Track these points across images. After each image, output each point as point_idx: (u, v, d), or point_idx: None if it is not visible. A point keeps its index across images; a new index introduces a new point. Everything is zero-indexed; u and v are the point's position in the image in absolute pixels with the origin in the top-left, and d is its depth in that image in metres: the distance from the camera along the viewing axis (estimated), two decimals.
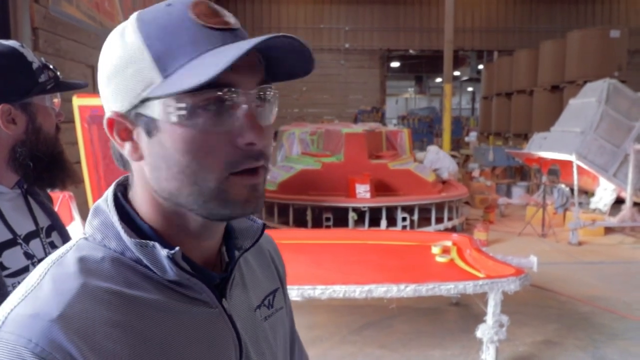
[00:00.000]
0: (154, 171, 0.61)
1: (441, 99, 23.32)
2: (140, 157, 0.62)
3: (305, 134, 8.68)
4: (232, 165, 0.59)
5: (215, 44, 0.58)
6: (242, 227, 0.74)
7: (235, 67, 0.55)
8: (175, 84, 0.55)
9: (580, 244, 7.34)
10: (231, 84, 0.58)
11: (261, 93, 0.61)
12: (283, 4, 19.76)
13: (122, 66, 0.59)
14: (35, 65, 1.21)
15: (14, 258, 1.17)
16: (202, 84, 0.53)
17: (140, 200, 0.65)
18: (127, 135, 0.62)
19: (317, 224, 7.08)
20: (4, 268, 1.14)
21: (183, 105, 0.57)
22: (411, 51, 21.43)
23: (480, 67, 21.97)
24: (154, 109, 0.59)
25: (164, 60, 0.57)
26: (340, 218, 7.04)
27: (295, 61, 0.63)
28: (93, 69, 5.03)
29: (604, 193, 8.26)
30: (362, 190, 7.10)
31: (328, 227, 6.92)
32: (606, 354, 3.92)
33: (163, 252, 0.60)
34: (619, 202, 8.20)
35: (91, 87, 4.59)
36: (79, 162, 3.59)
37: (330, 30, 20.05)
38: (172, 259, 0.60)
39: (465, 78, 25.91)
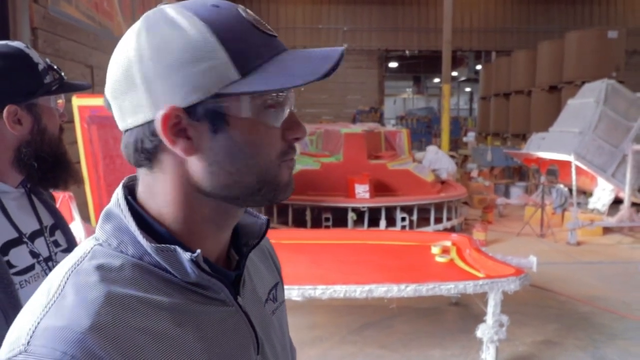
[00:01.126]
0: (213, 165, 0.62)
1: (439, 100, 23.37)
2: (193, 153, 0.62)
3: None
4: (283, 155, 0.66)
5: (278, 49, 0.64)
6: (246, 223, 0.75)
7: None
8: (259, 84, 0.59)
9: (578, 244, 7.36)
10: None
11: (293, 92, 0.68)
12: (281, 4, 19.77)
13: (189, 61, 0.59)
14: (41, 67, 1.21)
15: (20, 256, 1.17)
16: (293, 86, 0.60)
17: (165, 199, 0.64)
18: (179, 131, 0.61)
19: (317, 224, 7.08)
20: (12, 266, 1.15)
21: (258, 102, 0.62)
22: (407, 52, 21.45)
23: (478, 67, 22.02)
24: (228, 105, 0.61)
25: (242, 59, 0.60)
26: (339, 218, 7.04)
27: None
28: (92, 69, 5.01)
29: (602, 193, 8.28)
30: (361, 191, 7.10)
31: (327, 227, 6.93)
32: (606, 353, 3.93)
33: (186, 256, 0.61)
34: (617, 202, 8.22)
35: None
36: (78, 162, 3.58)
37: (329, 30, 20.07)
38: (194, 261, 0.61)
39: (463, 78, 25.96)
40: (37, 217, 1.28)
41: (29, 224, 1.24)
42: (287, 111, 0.65)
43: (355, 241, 4.90)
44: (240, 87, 0.59)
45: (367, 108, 19.81)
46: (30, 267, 1.18)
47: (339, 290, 3.40)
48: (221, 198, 0.64)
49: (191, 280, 0.63)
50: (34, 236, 1.24)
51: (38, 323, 0.54)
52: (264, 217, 0.76)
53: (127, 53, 0.61)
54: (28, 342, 0.53)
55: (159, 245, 0.61)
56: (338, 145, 8.01)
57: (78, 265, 0.60)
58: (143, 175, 0.66)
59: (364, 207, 7.01)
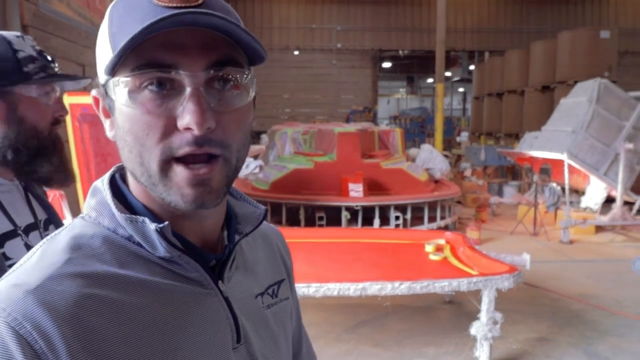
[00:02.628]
0: (119, 150, 0.62)
1: (432, 100, 23.43)
2: (115, 135, 0.63)
3: (298, 133, 8.66)
4: (171, 149, 0.58)
5: (161, 18, 0.55)
6: (244, 212, 0.74)
7: (181, 47, 0.56)
8: (110, 60, 0.57)
9: (571, 242, 7.39)
10: (173, 64, 0.57)
11: (218, 75, 0.59)
12: (275, 4, 19.75)
13: (98, 46, 0.62)
14: (22, 54, 1.18)
15: (15, 249, 1.17)
16: (116, 60, 0.55)
17: (129, 178, 0.66)
18: (106, 112, 0.64)
19: (310, 223, 7.07)
20: (7, 258, 1.15)
21: (126, 84, 0.57)
22: (400, 52, 21.48)
23: (472, 67, 22.07)
24: (111, 89, 0.59)
25: (115, 38, 0.58)
26: (333, 217, 7.03)
27: (247, 47, 0.61)
28: (84, 67, 4.98)
29: (595, 192, 8.32)
30: (355, 190, 7.09)
31: (321, 226, 6.91)
32: (598, 350, 3.94)
33: (152, 226, 0.59)
34: (609, 201, 8.26)
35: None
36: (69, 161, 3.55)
37: (322, 30, 20.06)
38: (161, 233, 0.59)
39: (456, 79, 26.02)
40: (32, 211, 1.27)
41: (23, 217, 1.24)
42: (183, 95, 0.57)
43: (349, 240, 4.89)
44: (107, 68, 0.57)
45: (360, 108, 19.82)
46: None
47: (333, 288, 3.39)
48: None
49: (161, 255, 0.61)
50: (28, 229, 1.23)
51: (1, 280, 0.56)
52: (262, 207, 0.74)
53: None
54: None
55: (128, 215, 0.61)
56: (332, 144, 8.00)
57: (57, 235, 0.62)
58: None
59: (357, 206, 7.00)
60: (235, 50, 0.60)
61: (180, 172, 0.58)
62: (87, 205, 0.65)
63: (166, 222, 0.60)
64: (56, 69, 1.26)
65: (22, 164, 1.20)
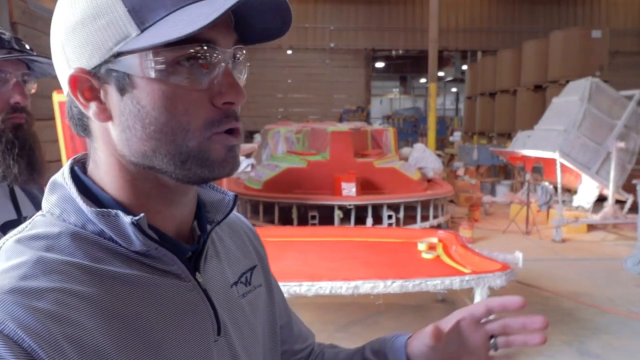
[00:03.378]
0: (126, 131, 0.57)
1: (425, 99, 23.45)
2: (108, 118, 0.58)
3: (291, 132, 8.64)
4: (212, 124, 0.57)
5: None
6: (213, 200, 0.71)
7: (214, 24, 0.53)
8: (156, 36, 0.53)
9: (563, 241, 7.41)
10: (211, 40, 0.56)
11: (237, 53, 0.60)
12: None
13: (90, 18, 0.56)
14: None
15: None
16: (187, 35, 0.51)
17: (104, 168, 0.61)
18: (92, 94, 0.58)
19: (303, 222, 7.05)
20: None
21: (162, 59, 0.54)
22: (393, 52, 21.52)
23: (464, 67, 22.13)
24: (130, 64, 0.55)
25: (141, 11, 0.54)
26: (326, 216, 7.02)
27: (270, 21, 0.61)
28: None
29: (587, 191, 8.36)
30: (348, 189, 7.09)
31: (314, 225, 6.90)
32: (590, 348, 3.95)
33: (127, 219, 0.56)
34: (601, 199, 8.30)
35: None
36: (59, 160, 3.52)
37: (315, 29, 20.05)
38: (137, 225, 0.57)
39: (449, 78, 26.09)
40: (16, 207, 1.24)
41: (3, 214, 1.20)
42: (218, 71, 0.57)
43: (341, 238, 4.89)
44: (138, 42, 0.54)
45: (354, 107, 19.82)
46: None
47: (325, 287, 3.37)
48: (147, 168, 0.59)
49: (137, 249, 0.58)
50: (8, 226, 1.19)
51: None
52: (231, 194, 0.71)
53: (53, 17, 0.61)
54: None
55: (100, 209, 0.58)
56: (325, 143, 7.99)
57: (16, 234, 0.58)
58: (88, 146, 0.63)
59: (350, 205, 7.00)
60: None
61: (220, 144, 0.58)
62: (47, 201, 0.61)
63: (142, 214, 0.57)
64: (12, 51, 1.18)
65: None
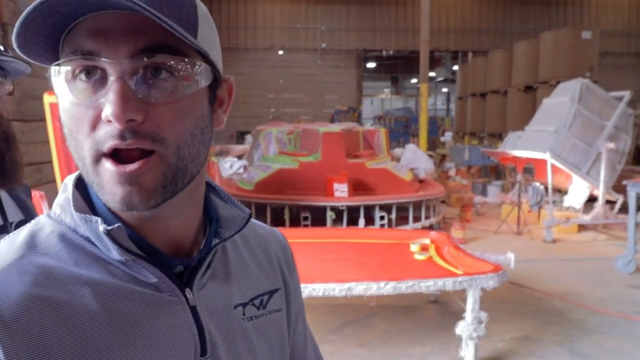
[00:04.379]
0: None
1: (417, 100, 23.47)
2: None
3: (283, 133, 8.63)
4: (97, 143, 0.54)
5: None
6: (228, 215, 0.69)
7: (103, 32, 0.52)
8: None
9: (554, 241, 7.45)
10: (93, 51, 0.53)
11: (150, 63, 0.54)
12: (259, 3, 19.68)
13: None
14: None
15: None
16: (25, 50, 0.52)
17: None
18: None
19: (295, 223, 7.04)
20: None
21: (56, 74, 0.55)
22: (384, 52, 21.55)
23: (455, 68, 22.21)
24: (52, 81, 0.57)
25: None
26: (318, 217, 7.02)
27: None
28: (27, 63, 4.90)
29: (578, 191, 8.41)
30: (340, 190, 7.08)
31: (306, 226, 6.89)
32: (582, 348, 3.97)
33: (101, 228, 0.56)
34: (591, 200, 8.35)
35: None
36: (50, 162, 3.49)
37: (307, 30, 20.04)
38: (110, 235, 0.56)
39: (440, 79, 26.16)
40: (2, 213, 1.22)
41: None
42: (106, 85, 0.53)
43: (334, 240, 4.88)
44: None
45: (345, 108, 19.83)
46: None
47: (318, 289, 3.37)
48: None
49: (116, 258, 0.58)
50: None
51: None
52: (247, 211, 0.69)
53: None
54: None
55: (83, 215, 0.58)
56: (316, 144, 7.98)
57: (19, 231, 0.60)
58: None
59: (342, 206, 6.99)
60: (175, 37, 0.53)
61: (108, 168, 0.54)
62: (56, 201, 0.63)
63: (117, 224, 0.56)
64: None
65: None
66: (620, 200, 8.05)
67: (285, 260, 0.81)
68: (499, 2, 20.27)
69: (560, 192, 9.13)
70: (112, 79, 0.53)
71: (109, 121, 0.53)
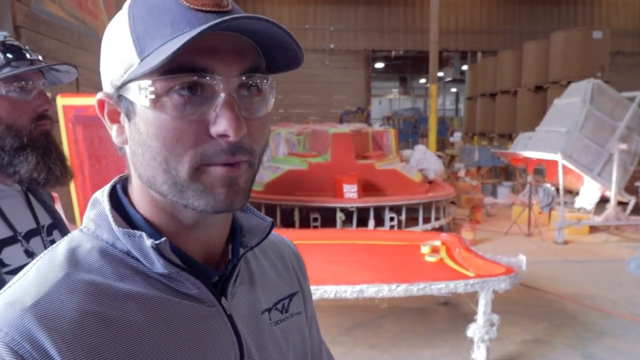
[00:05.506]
0: (134, 156, 0.60)
1: (425, 100, 23.43)
2: (124, 142, 0.61)
3: (292, 134, 8.64)
4: (204, 157, 0.56)
5: (194, 25, 0.54)
6: (250, 224, 0.71)
7: (214, 51, 0.54)
8: (144, 65, 0.54)
9: (565, 242, 7.40)
10: (207, 69, 0.55)
11: (248, 82, 0.58)
12: (267, 5, 19.71)
13: (110, 47, 0.59)
14: None
15: (14, 255, 1.15)
16: (162, 62, 0.51)
17: (136, 190, 0.63)
18: (114, 118, 0.61)
19: (305, 224, 7.05)
20: (4, 265, 1.12)
21: (156, 88, 0.55)
22: (393, 53, 21.51)
23: (464, 68, 22.12)
24: (132, 92, 0.57)
25: (142, 40, 0.56)
26: (327, 218, 7.01)
27: (280, 53, 0.60)
28: (77, 68, 4.93)
29: (589, 192, 8.35)
30: (350, 191, 7.08)
31: (316, 227, 6.89)
32: (595, 351, 3.94)
33: (148, 242, 0.57)
34: (603, 201, 8.29)
35: (74, 87, 4.50)
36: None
37: (315, 30, 20.04)
38: (157, 249, 0.57)
39: (448, 79, 26.05)
40: (34, 216, 1.24)
41: (25, 223, 1.22)
42: (214, 101, 0.55)
43: (344, 241, 4.88)
44: (136, 71, 0.55)
45: (354, 108, 19.81)
46: (25, 266, 1.14)
47: (330, 291, 3.37)
48: (159, 194, 0.59)
49: (159, 271, 0.59)
50: (30, 235, 1.21)
51: None
52: (269, 219, 0.71)
53: None
54: None
55: (126, 230, 0.59)
56: (326, 145, 7.98)
57: (54, 248, 0.60)
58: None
59: (352, 207, 6.99)
60: (260, 57, 0.59)
61: (213, 173, 0.56)
62: (87, 217, 0.63)
63: (163, 239, 0.58)
64: (34, 62, 1.19)
65: (5, 165, 1.16)
66: (632, 201, 7.99)
67: (298, 266, 0.84)
68: (509, 2, 20.15)
69: (572, 193, 9.07)
70: (223, 95, 0.55)
71: (222, 136, 0.55)
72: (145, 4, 0.56)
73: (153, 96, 0.55)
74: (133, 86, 0.56)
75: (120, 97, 0.59)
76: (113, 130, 0.61)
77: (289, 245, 0.86)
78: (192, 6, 0.55)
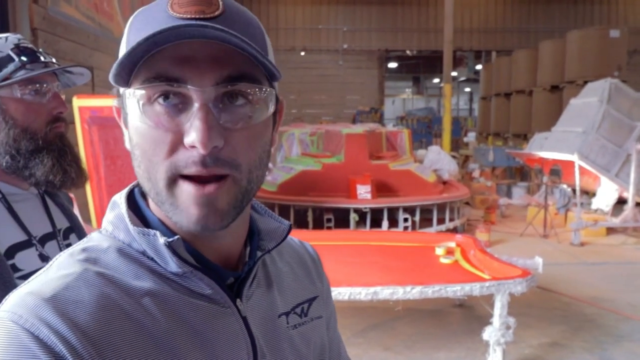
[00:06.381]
0: (133, 162, 0.61)
1: (439, 100, 23.32)
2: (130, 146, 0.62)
3: (305, 134, 8.63)
4: (177, 167, 0.55)
5: (166, 26, 0.53)
6: (268, 228, 0.71)
7: (188, 60, 0.54)
8: (113, 71, 0.55)
9: (582, 244, 7.31)
10: (180, 78, 0.54)
11: (231, 90, 0.56)
12: (281, 5, 19.73)
13: (117, 58, 0.59)
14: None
15: (28, 259, 1.15)
16: (119, 64, 0.53)
17: None
18: (125, 124, 0.63)
19: (318, 225, 7.04)
20: (17, 269, 1.12)
21: (137, 97, 0.56)
22: (408, 52, 21.44)
23: (478, 67, 21.98)
24: (125, 101, 0.58)
25: (128, 42, 0.58)
26: (341, 219, 7.00)
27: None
28: (92, 70, 4.97)
29: (606, 193, 8.24)
30: (363, 191, 7.06)
31: (329, 228, 6.88)
32: (613, 356, 3.88)
33: (161, 240, 0.58)
34: (620, 202, 8.18)
35: (90, 88, 4.53)
36: None
37: (329, 30, 20.03)
38: (170, 247, 0.57)
39: (462, 79, 25.90)
40: (51, 219, 1.24)
41: (40, 227, 1.21)
42: (190, 110, 0.54)
43: (358, 242, 4.86)
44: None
45: (367, 109, 19.77)
46: (38, 271, 1.15)
47: (344, 293, 3.35)
48: None
49: (173, 270, 0.60)
50: (45, 239, 1.21)
51: (15, 291, 0.55)
52: (286, 223, 0.71)
53: None
54: None
55: (141, 229, 0.60)
56: (339, 145, 7.97)
57: (73, 248, 0.61)
58: None
59: (366, 208, 6.97)
60: (251, 64, 0.56)
61: (186, 189, 0.55)
62: (105, 219, 0.65)
63: (176, 237, 0.58)
64: (48, 64, 1.19)
65: (20, 168, 1.16)
66: None
67: (318, 269, 0.84)
68: (524, 0, 19.98)
69: (588, 194, 8.95)
70: (196, 105, 0.54)
71: (192, 147, 0.54)
72: (143, 12, 0.58)
73: (136, 105, 0.56)
74: (125, 94, 0.58)
75: (121, 106, 0.61)
76: (125, 135, 0.63)
77: (308, 249, 0.85)
78: (174, 14, 0.55)
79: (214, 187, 0.55)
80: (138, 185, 0.67)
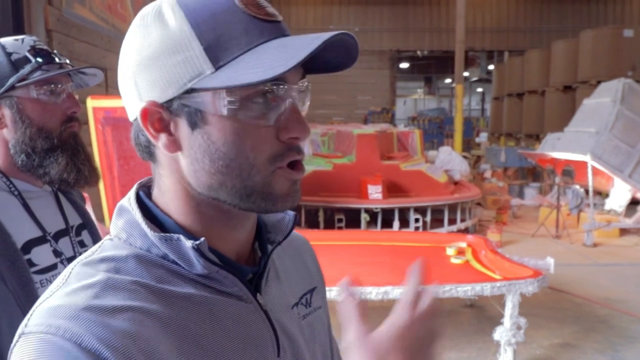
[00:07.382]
0: (194, 164, 0.59)
1: (450, 100, 23.23)
2: (177, 149, 0.60)
3: (316, 135, 8.65)
4: (276, 159, 0.59)
5: (267, 37, 0.57)
6: (274, 220, 0.72)
7: None
8: (233, 77, 0.54)
9: (595, 245, 7.26)
10: (282, 79, 0.57)
11: (302, 86, 0.61)
12: (292, 5, 19.78)
13: (165, 53, 0.57)
14: (15, 57, 1.17)
15: (42, 255, 1.17)
16: (267, 80, 0.53)
17: (170, 195, 0.63)
18: (161, 126, 0.59)
19: (329, 225, 7.05)
20: (33, 264, 1.15)
21: (234, 97, 0.56)
22: (419, 53, 21.37)
23: (490, 67, 21.86)
24: (202, 101, 0.57)
25: (216, 50, 0.56)
26: (352, 219, 7.01)
27: (335, 56, 0.62)
28: (106, 71, 5.02)
29: (619, 194, 8.17)
30: (374, 192, 7.06)
31: (340, 228, 6.89)
32: (626, 357, 3.86)
33: (188, 244, 0.58)
34: (634, 203, 8.11)
35: (103, 89, 4.58)
36: None
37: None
38: (197, 250, 0.58)
39: (474, 79, 25.79)
40: (64, 216, 1.27)
41: (54, 223, 1.24)
42: (283, 107, 0.58)
43: (369, 242, 4.86)
44: (213, 81, 0.55)
45: (378, 109, 19.75)
46: (53, 267, 1.18)
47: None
48: (212, 199, 0.60)
49: (198, 272, 0.60)
50: (59, 235, 1.24)
51: (38, 306, 0.55)
52: (291, 213, 0.71)
53: (123, 47, 0.62)
54: (26, 325, 0.53)
55: (162, 234, 0.60)
56: (350, 146, 7.97)
57: (87, 257, 0.60)
58: (152, 170, 0.65)
59: (377, 208, 6.97)
60: None
61: (283, 178, 0.60)
62: (115, 226, 0.63)
63: (202, 239, 0.59)
64: (63, 66, 1.22)
65: (35, 167, 1.19)
66: None
67: (315, 261, 0.86)
68: (536, 0, 19.86)
69: (601, 194, 8.88)
70: (290, 101, 0.59)
71: (293, 139, 0.59)
72: (205, 8, 0.56)
73: (232, 105, 0.56)
74: (204, 95, 0.56)
75: (181, 106, 0.57)
76: (161, 139, 0.59)
77: (304, 241, 0.87)
78: (258, 16, 0.57)
79: (299, 172, 0.61)
80: (140, 188, 0.66)
